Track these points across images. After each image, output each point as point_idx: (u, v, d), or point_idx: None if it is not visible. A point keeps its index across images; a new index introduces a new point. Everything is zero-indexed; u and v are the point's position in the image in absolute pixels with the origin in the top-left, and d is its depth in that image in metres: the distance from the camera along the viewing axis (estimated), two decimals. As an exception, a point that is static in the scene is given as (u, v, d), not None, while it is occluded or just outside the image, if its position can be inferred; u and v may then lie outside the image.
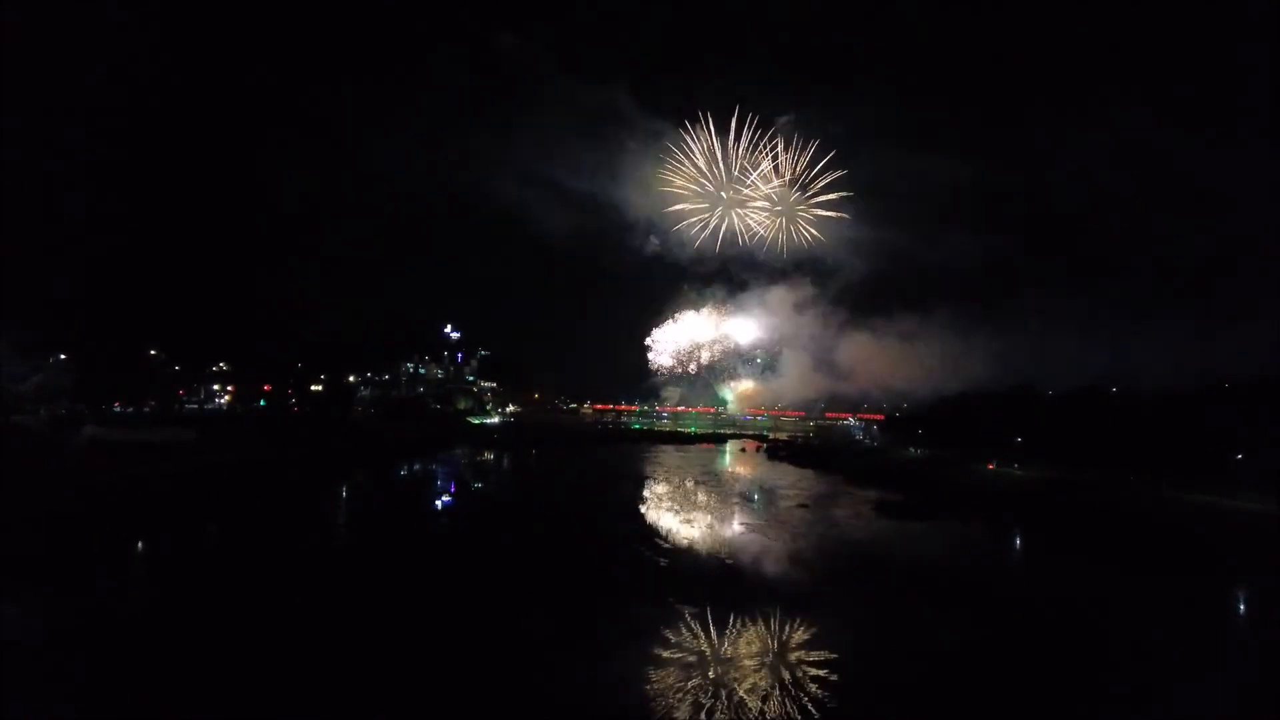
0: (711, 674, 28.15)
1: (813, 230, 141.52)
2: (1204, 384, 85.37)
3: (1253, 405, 65.86)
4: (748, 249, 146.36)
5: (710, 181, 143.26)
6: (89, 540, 46.49)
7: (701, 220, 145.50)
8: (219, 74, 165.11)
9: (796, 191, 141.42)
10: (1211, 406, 71.93)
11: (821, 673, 28.19)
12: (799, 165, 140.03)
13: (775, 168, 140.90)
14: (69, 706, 24.90)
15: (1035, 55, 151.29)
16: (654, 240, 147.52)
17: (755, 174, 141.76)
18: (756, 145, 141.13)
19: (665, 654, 29.89)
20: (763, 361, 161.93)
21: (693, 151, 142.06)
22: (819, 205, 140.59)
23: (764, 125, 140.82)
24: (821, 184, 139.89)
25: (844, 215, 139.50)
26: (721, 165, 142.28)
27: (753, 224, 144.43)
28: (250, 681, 26.62)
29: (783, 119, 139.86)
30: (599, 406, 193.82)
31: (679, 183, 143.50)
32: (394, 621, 33.71)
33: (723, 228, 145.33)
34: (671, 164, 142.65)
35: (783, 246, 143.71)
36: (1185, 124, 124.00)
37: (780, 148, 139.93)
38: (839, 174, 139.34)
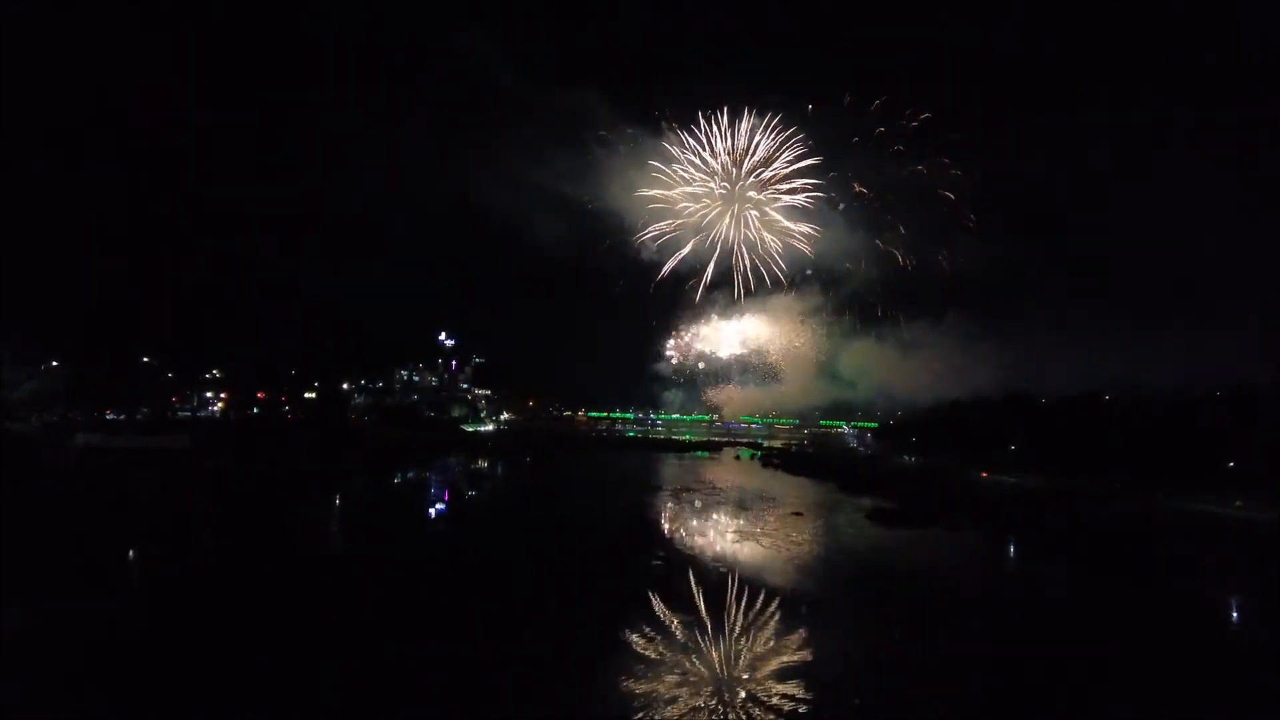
0: (707, 677, 28.23)
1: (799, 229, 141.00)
2: (1197, 392, 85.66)
3: (1245, 413, 66.13)
4: (748, 252, 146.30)
5: (714, 183, 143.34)
6: (83, 545, 46.31)
7: (699, 227, 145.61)
8: (212, 83, 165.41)
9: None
10: (1204, 414, 72.16)
11: (809, 676, 28.22)
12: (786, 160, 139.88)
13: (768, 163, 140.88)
14: (62, 709, 24.87)
15: (1038, 58, 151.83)
16: (651, 246, 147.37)
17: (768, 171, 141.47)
18: (755, 142, 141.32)
19: (654, 659, 29.95)
20: (764, 368, 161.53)
21: (692, 154, 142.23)
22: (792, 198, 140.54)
23: (764, 126, 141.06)
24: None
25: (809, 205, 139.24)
26: (727, 165, 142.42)
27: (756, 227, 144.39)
28: (236, 686, 26.59)
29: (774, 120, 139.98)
30: (593, 414, 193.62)
31: (677, 188, 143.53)
32: (382, 631, 33.62)
33: (725, 231, 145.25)
34: (669, 168, 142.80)
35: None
36: (1186, 132, 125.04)
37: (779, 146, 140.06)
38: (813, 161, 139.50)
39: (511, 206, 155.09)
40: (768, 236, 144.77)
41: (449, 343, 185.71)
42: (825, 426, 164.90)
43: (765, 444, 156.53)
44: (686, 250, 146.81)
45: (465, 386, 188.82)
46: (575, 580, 44.06)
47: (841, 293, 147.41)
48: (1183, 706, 28.06)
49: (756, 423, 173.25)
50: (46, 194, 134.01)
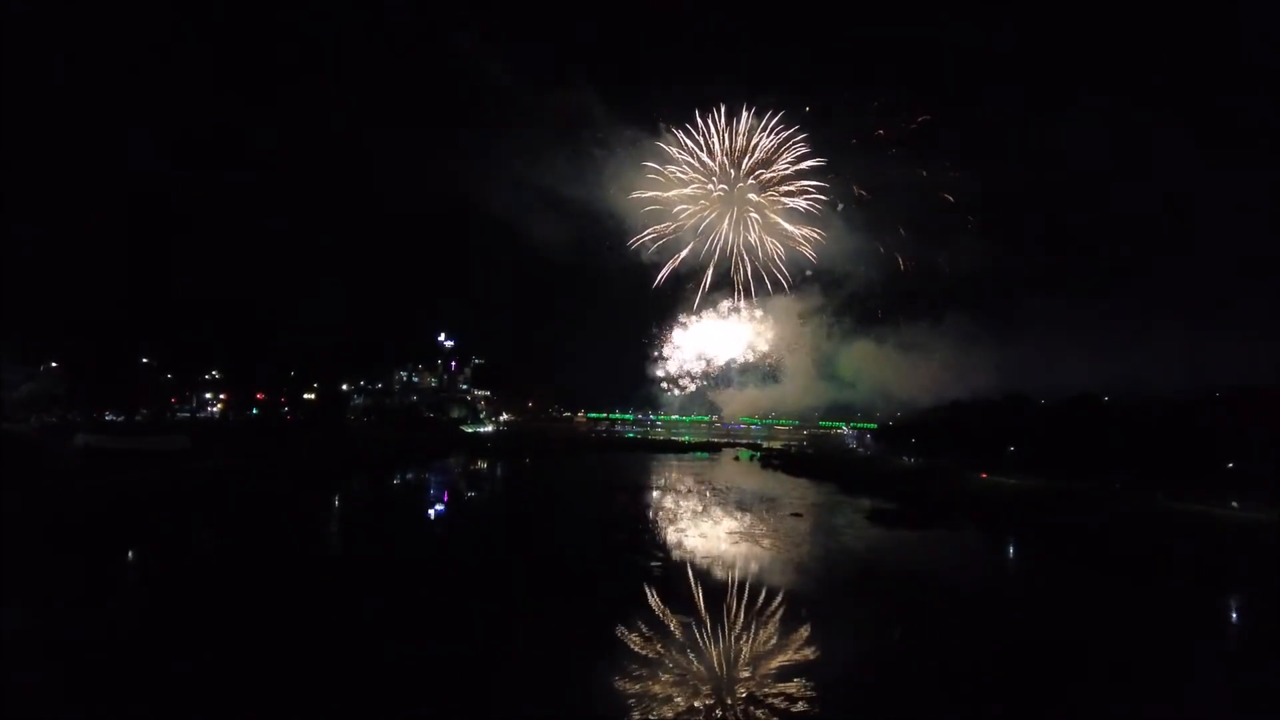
0: (705, 676, 28.23)
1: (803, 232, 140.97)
2: (1197, 392, 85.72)
3: (1245, 413, 66.19)
4: (745, 254, 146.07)
5: (712, 184, 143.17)
6: (81, 547, 46.26)
7: (698, 228, 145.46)
8: (209, 80, 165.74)
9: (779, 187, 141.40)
10: (1204, 414, 72.20)
11: (809, 676, 28.22)
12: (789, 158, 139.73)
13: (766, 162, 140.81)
14: (62, 709, 24.86)
15: (1037, 59, 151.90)
16: (650, 247, 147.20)
17: (767, 171, 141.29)
18: (753, 142, 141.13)
19: (652, 659, 29.94)
20: (763, 369, 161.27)
21: (690, 155, 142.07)
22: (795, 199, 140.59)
23: (763, 126, 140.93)
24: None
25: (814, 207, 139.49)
26: (725, 166, 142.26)
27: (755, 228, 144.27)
28: (236, 686, 26.58)
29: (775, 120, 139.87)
30: (592, 415, 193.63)
31: (675, 189, 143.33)
32: (380, 632, 33.58)
33: (724, 232, 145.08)
34: (668, 167, 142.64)
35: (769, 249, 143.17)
36: (1184, 133, 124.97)
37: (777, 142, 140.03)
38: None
39: (510, 207, 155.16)
40: (767, 238, 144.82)
41: (448, 343, 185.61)
42: (825, 427, 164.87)
43: (765, 445, 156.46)
44: (685, 251, 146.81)
45: (464, 387, 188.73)
46: (574, 581, 44.01)
47: (841, 294, 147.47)
48: (1183, 706, 28.07)
49: (756, 424, 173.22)
50: (43, 195, 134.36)
